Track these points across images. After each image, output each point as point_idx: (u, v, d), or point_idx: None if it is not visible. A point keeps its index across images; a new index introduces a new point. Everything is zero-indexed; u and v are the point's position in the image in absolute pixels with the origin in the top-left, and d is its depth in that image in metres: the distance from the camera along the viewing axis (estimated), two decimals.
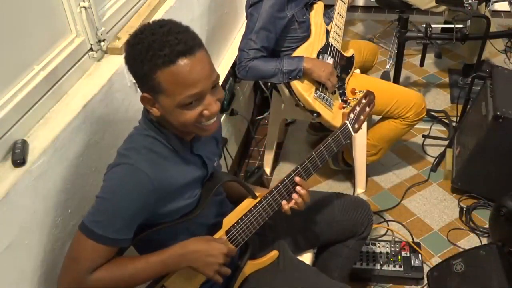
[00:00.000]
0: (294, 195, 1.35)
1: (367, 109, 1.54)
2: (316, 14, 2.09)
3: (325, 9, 2.17)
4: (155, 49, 1.06)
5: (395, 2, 3.02)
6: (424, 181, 2.49)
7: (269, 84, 2.57)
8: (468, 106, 2.48)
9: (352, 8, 3.27)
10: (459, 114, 2.59)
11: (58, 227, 1.27)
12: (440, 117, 2.87)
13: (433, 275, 1.93)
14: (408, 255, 2.04)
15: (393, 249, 2.07)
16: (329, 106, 2.06)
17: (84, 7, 1.41)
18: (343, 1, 2.17)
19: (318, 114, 2.03)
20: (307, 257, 1.63)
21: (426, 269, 2.00)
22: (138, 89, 1.18)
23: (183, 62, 1.07)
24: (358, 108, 1.50)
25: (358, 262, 2.00)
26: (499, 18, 3.79)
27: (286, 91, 2.10)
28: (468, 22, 2.43)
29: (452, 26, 2.37)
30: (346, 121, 1.46)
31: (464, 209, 2.30)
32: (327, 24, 2.13)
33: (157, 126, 1.19)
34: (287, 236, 1.57)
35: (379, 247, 2.08)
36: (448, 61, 3.42)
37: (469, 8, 2.31)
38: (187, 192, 1.23)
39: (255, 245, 1.46)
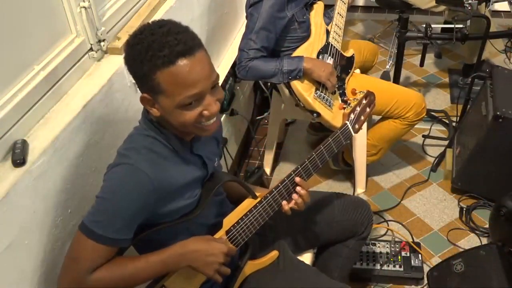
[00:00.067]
0: (294, 195, 1.35)
1: (368, 109, 1.54)
2: (316, 14, 2.09)
3: (325, 9, 2.18)
4: (154, 50, 1.06)
5: (395, 2, 3.02)
6: (424, 181, 2.49)
7: (269, 84, 2.57)
8: (468, 106, 2.48)
9: (352, 8, 3.27)
10: (459, 114, 2.59)
11: (58, 227, 1.27)
12: (440, 117, 2.87)
13: (433, 275, 1.93)
14: (408, 255, 2.04)
15: (393, 249, 2.07)
16: (329, 106, 2.06)
17: (84, 7, 1.41)
18: (343, 1, 2.17)
19: (318, 114, 2.03)
20: (307, 257, 1.63)
21: (426, 269, 2.00)
22: (138, 89, 1.18)
23: (182, 62, 1.07)
24: (358, 109, 1.50)
25: (358, 262, 2.00)
26: (499, 18, 3.79)
27: (286, 91, 2.10)
28: (468, 22, 2.43)
29: (452, 26, 2.37)
30: (347, 122, 1.46)
31: (464, 209, 2.30)
32: (327, 24, 2.13)
33: (157, 126, 1.19)
34: (287, 236, 1.57)
35: (379, 247, 2.08)
36: (448, 61, 3.42)
37: (469, 8, 2.31)
38: (187, 192, 1.23)
39: (255, 245, 1.46)
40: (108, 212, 1.12)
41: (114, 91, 1.47)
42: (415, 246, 2.08)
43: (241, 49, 1.98)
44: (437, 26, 2.53)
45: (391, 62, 3.25)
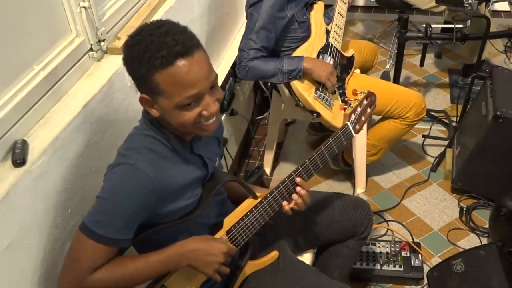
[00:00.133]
0: (294, 196, 1.35)
1: (369, 110, 1.54)
2: (316, 14, 2.09)
3: (325, 9, 2.17)
4: (152, 51, 1.06)
5: (395, 2, 3.02)
6: (424, 181, 2.49)
7: (269, 84, 2.57)
8: (468, 106, 2.48)
9: (352, 8, 3.27)
10: (459, 114, 2.59)
11: (58, 227, 1.27)
12: (440, 117, 2.87)
13: (433, 275, 1.93)
14: (408, 255, 2.04)
15: (393, 249, 2.07)
16: (329, 106, 2.06)
17: (84, 7, 1.41)
18: (343, 1, 2.17)
19: (318, 114, 2.03)
20: (307, 257, 1.63)
21: (426, 269, 2.00)
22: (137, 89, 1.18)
23: (181, 63, 1.07)
24: (359, 109, 1.50)
25: (358, 262, 2.00)
26: (499, 18, 3.79)
27: (286, 91, 2.10)
28: (468, 22, 2.43)
29: (452, 26, 2.37)
30: (348, 122, 1.46)
31: (464, 209, 2.30)
32: (327, 24, 2.13)
33: (157, 126, 1.19)
34: (288, 236, 1.57)
35: (379, 247, 2.08)
36: (448, 61, 3.42)
37: (469, 8, 2.31)
38: (188, 192, 1.23)
39: (255, 245, 1.46)
40: (108, 212, 1.12)
41: (114, 91, 1.47)
42: (415, 246, 2.08)
43: (241, 49, 1.98)
44: (437, 26, 2.53)
45: (391, 62, 3.25)
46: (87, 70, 1.49)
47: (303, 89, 2.00)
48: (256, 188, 1.42)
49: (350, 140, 1.48)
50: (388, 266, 2.01)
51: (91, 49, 1.50)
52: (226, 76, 2.32)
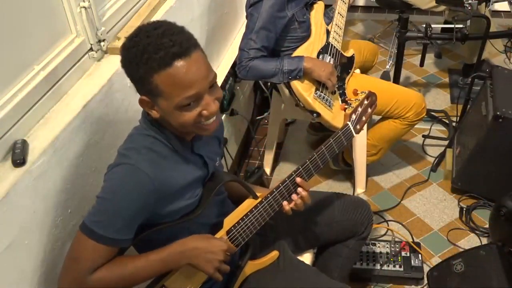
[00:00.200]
0: (294, 196, 1.35)
1: (369, 110, 1.54)
2: (316, 14, 2.09)
3: (325, 9, 2.17)
4: (150, 52, 1.06)
5: (395, 2, 3.02)
6: (424, 181, 2.49)
7: (269, 84, 2.57)
8: (468, 106, 2.48)
9: (352, 8, 3.27)
10: (459, 114, 2.59)
11: (58, 227, 1.27)
12: (440, 117, 2.87)
13: (433, 275, 1.93)
14: (408, 255, 2.04)
15: (393, 249, 2.07)
16: (329, 106, 2.06)
17: (84, 7, 1.41)
18: (343, 1, 2.17)
19: (318, 114, 2.03)
20: (307, 257, 1.63)
21: (426, 269, 2.00)
22: None
23: (179, 64, 1.06)
24: (360, 109, 1.50)
25: (358, 262, 2.00)
26: (499, 18, 3.79)
27: (286, 91, 2.09)
28: (468, 22, 2.43)
29: (452, 26, 2.37)
30: (348, 122, 1.46)
31: (464, 209, 2.30)
32: (327, 24, 2.13)
33: (157, 125, 1.19)
34: (288, 236, 1.57)
35: (379, 247, 2.08)
36: (448, 61, 3.42)
37: (469, 8, 2.31)
38: (188, 192, 1.23)
39: (255, 245, 1.46)
40: (109, 212, 1.12)
41: (114, 91, 1.47)
42: (415, 246, 2.08)
43: (241, 49, 1.98)
44: (437, 26, 2.53)
45: (391, 62, 3.25)
46: (87, 70, 1.49)
47: (303, 89, 2.00)
48: (257, 188, 1.42)
49: (350, 140, 1.48)
50: (388, 266, 2.01)
51: (91, 49, 1.50)
52: (226, 76, 2.32)
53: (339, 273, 1.65)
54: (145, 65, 1.07)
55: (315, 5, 2.10)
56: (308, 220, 1.58)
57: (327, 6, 2.20)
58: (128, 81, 1.51)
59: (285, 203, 1.35)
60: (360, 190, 2.45)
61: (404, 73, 3.01)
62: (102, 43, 1.52)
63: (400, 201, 2.39)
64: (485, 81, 2.32)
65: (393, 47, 3.19)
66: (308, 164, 1.36)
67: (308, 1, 2.07)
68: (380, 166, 2.56)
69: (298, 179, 1.34)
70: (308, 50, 2.04)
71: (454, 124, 2.74)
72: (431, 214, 2.32)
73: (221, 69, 2.37)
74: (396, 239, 2.15)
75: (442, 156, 2.57)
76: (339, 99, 2.14)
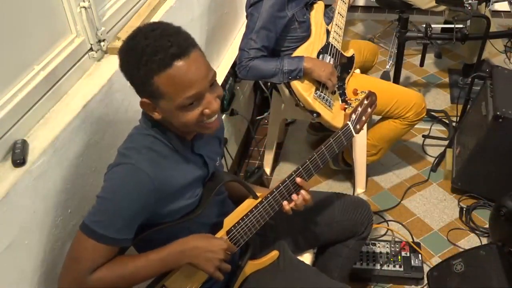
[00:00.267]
0: (294, 196, 1.35)
1: (369, 110, 1.54)
2: (317, 14, 2.09)
3: (325, 9, 2.17)
4: (149, 54, 1.06)
5: (395, 2, 3.02)
6: (424, 181, 2.49)
7: (269, 84, 2.57)
8: (468, 106, 2.48)
9: (352, 8, 3.27)
10: (459, 114, 2.59)
11: (58, 227, 1.27)
12: (440, 117, 2.87)
13: (433, 275, 1.93)
14: (408, 255, 2.04)
15: (393, 249, 2.07)
16: (329, 106, 2.06)
17: (84, 7, 1.41)
18: (343, 1, 2.17)
19: (318, 114, 2.03)
20: (307, 257, 1.63)
21: (426, 269, 2.00)
22: None
23: (178, 64, 1.07)
24: (360, 109, 1.50)
25: (358, 262, 2.00)
26: (499, 18, 3.78)
27: (286, 91, 2.09)
28: (468, 22, 2.43)
29: (452, 26, 2.37)
30: (348, 122, 1.46)
31: (464, 209, 2.30)
32: (327, 24, 2.13)
33: (157, 125, 1.19)
34: (288, 236, 1.57)
35: (379, 247, 2.08)
36: (448, 61, 3.42)
37: (469, 8, 2.31)
38: (188, 192, 1.23)
39: (255, 245, 1.46)
40: (109, 212, 1.12)
41: (114, 91, 1.47)
42: (415, 246, 2.08)
43: (241, 49, 1.98)
44: (437, 26, 2.53)
45: (391, 62, 3.25)
46: (87, 70, 1.49)
47: (303, 89, 2.00)
48: (257, 188, 1.42)
49: (350, 140, 1.48)
50: (388, 266, 2.01)
51: (91, 49, 1.50)
52: (226, 76, 2.32)
53: (339, 273, 1.65)
54: (145, 67, 1.07)
55: (315, 5, 2.10)
56: (308, 220, 1.58)
57: (327, 6, 2.20)
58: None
59: (285, 203, 1.35)
60: (360, 190, 2.45)
61: (404, 73, 3.01)
62: (102, 43, 1.52)
63: (400, 201, 2.39)
64: (485, 81, 2.32)
65: (393, 47, 3.19)
66: (308, 164, 1.36)
67: (308, 1, 2.07)
68: (380, 166, 2.56)
69: (298, 179, 1.34)
70: (308, 50, 2.04)
71: (454, 124, 2.74)
72: (431, 214, 2.32)
73: (221, 69, 2.37)
74: (396, 239, 2.15)
75: (442, 156, 2.57)
76: (339, 99, 2.14)
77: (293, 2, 1.98)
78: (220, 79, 2.24)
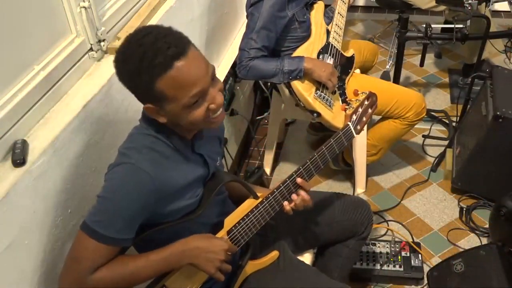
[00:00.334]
0: (293, 196, 1.35)
1: (370, 110, 1.54)
2: (317, 14, 2.09)
3: (325, 9, 2.17)
4: (148, 59, 1.05)
5: (395, 2, 3.02)
6: (424, 181, 2.49)
7: (269, 84, 2.57)
8: (468, 106, 2.48)
9: (352, 8, 3.28)
10: (459, 114, 2.59)
11: (58, 227, 1.27)
12: (440, 117, 2.87)
13: (433, 275, 1.94)
14: (408, 255, 2.04)
15: (393, 249, 2.07)
16: (329, 106, 2.06)
17: (84, 7, 1.41)
18: (343, 1, 2.17)
19: (318, 114, 2.03)
20: (307, 257, 1.63)
21: (426, 269, 2.00)
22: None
23: (179, 64, 1.07)
24: (360, 110, 1.50)
25: (358, 262, 2.00)
26: (499, 18, 3.79)
27: (286, 91, 2.09)
28: (468, 22, 2.43)
29: (452, 26, 2.37)
30: (349, 123, 1.46)
31: (464, 209, 2.30)
32: (327, 24, 2.13)
33: (157, 125, 1.19)
34: (288, 236, 1.57)
35: (379, 247, 2.08)
36: (448, 61, 3.42)
37: (469, 8, 2.31)
38: (189, 192, 1.23)
39: (256, 245, 1.46)
40: (109, 212, 1.12)
41: (114, 91, 1.47)
42: (415, 246, 2.08)
43: (241, 49, 1.98)
44: (437, 26, 2.53)
45: (391, 62, 3.25)
46: (87, 70, 1.48)
47: (304, 89, 2.00)
48: (257, 188, 1.42)
49: (351, 141, 1.48)
50: (388, 266, 2.01)
51: (91, 49, 1.50)
52: (226, 76, 2.32)
53: (339, 273, 1.65)
54: (146, 72, 1.06)
55: (315, 5, 2.10)
56: (308, 220, 1.58)
57: (327, 6, 2.20)
58: None
59: (285, 203, 1.35)
60: (360, 190, 2.45)
61: (404, 73, 3.01)
62: (102, 43, 1.52)
63: (400, 201, 2.39)
64: (485, 81, 2.32)
65: (393, 47, 3.19)
66: (309, 164, 1.36)
67: (308, 1, 2.07)
68: (380, 166, 2.56)
69: (299, 180, 1.34)
70: (308, 50, 2.04)
71: (454, 124, 2.74)
72: (431, 214, 2.32)
73: (221, 69, 2.37)
74: (396, 239, 2.15)
75: (442, 156, 2.57)
76: (339, 99, 2.14)
77: (294, 2, 1.98)
78: (220, 79, 2.23)
